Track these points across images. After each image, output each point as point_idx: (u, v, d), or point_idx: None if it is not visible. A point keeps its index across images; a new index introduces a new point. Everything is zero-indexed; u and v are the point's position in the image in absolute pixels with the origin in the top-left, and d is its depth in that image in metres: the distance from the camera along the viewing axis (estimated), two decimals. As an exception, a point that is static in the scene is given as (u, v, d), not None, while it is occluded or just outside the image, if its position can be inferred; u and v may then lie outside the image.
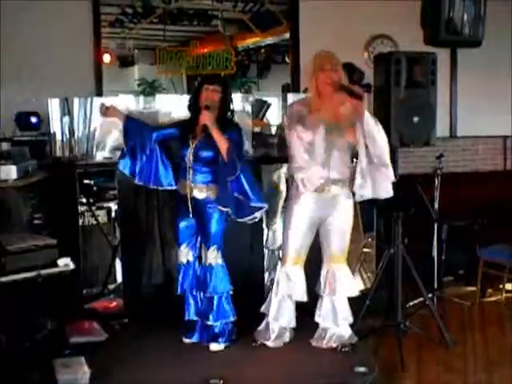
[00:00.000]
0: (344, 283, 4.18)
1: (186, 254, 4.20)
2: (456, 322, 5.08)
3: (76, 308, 4.70)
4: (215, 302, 4.11)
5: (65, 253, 3.78)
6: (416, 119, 4.51)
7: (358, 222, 5.23)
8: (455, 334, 4.72)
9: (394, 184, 4.33)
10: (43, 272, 3.61)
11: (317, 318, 4.23)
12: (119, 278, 5.11)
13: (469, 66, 6.47)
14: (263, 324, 4.26)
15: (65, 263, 3.71)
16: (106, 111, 4.15)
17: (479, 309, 5.40)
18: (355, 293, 4.26)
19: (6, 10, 5.58)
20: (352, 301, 4.27)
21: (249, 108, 5.21)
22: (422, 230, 5.40)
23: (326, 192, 4.06)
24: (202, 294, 4.18)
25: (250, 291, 4.31)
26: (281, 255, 4.34)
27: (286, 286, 4.16)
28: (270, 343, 4.18)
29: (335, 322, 4.18)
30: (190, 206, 4.06)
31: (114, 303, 4.96)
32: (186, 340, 4.26)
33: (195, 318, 4.24)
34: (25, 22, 5.65)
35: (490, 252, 5.48)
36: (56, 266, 3.69)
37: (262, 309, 4.28)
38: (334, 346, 4.15)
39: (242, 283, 4.31)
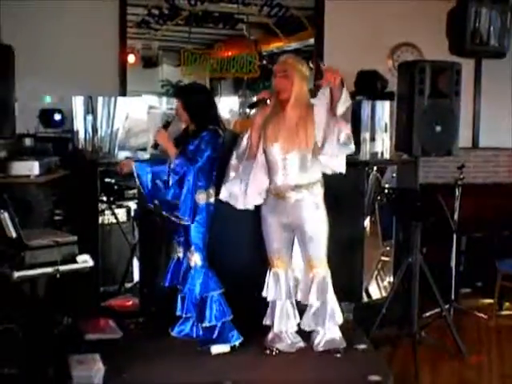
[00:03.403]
0: (321, 288, 4.11)
1: (176, 250, 4.34)
2: (472, 334, 5.04)
3: (92, 305, 4.74)
4: (207, 303, 4.15)
5: (84, 250, 3.80)
6: (438, 129, 4.49)
7: (377, 229, 5.22)
8: (471, 346, 4.68)
9: (414, 193, 4.30)
10: (62, 268, 3.62)
11: (302, 325, 4.21)
12: (136, 277, 5.14)
13: (493, 77, 6.42)
14: (270, 333, 4.26)
15: (84, 260, 3.71)
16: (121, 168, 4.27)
17: (496, 322, 5.34)
18: (332, 296, 4.15)
19: (34, 8, 5.65)
20: (368, 309, 4.25)
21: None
22: (440, 240, 5.38)
23: (287, 198, 4.05)
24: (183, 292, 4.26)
25: (256, 293, 4.28)
26: None
27: (274, 288, 4.19)
28: (281, 348, 4.17)
29: (322, 325, 4.15)
30: None
31: (131, 302, 4.99)
32: (172, 333, 4.37)
33: (179, 314, 4.31)
34: (52, 21, 5.72)
35: (509, 265, 5.41)
36: (75, 262, 3.69)
37: (265, 322, 4.29)
38: (321, 349, 4.14)
39: (247, 285, 4.32)
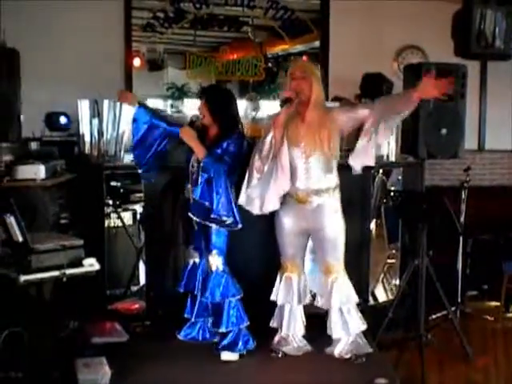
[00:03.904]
0: (343, 293, 4.07)
1: (192, 255, 4.29)
2: (478, 336, 5.03)
3: (99, 308, 4.74)
4: (225, 309, 4.07)
5: (90, 253, 3.80)
6: (444, 131, 4.49)
7: (383, 232, 5.22)
8: (477, 349, 4.68)
9: (420, 195, 4.29)
10: (68, 271, 3.62)
11: (328, 331, 4.12)
12: (142, 281, 5.14)
13: (499, 79, 6.42)
14: (277, 336, 4.24)
15: (90, 263, 3.71)
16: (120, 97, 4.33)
17: (502, 324, 5.34)
18: (355, 300, 4.11)
19: (39, 12, 5.67)
20: (374, 312, 4.23)
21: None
22: (447, 242, 5.37)
23: (309, 203, 4.02)
24: (200, 296, 4.19)
25: (263, 296, 4.28)
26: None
27: (285, 292, 4.17)
28: (287, 351, 4.16)
29: (346, 332, 4.09)
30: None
31: (137, 305, 4.98)
32: (179, 336, 4.35)
33: (188, 316, 4.30)
34: (57, 24, 5.74)
35: (516, 267, 5.42)
36: (81, 265, 3.70)
37: (271, 324, 4.27)
38: (347, 356, 4.07)
39: (261, 290, 4.28)
